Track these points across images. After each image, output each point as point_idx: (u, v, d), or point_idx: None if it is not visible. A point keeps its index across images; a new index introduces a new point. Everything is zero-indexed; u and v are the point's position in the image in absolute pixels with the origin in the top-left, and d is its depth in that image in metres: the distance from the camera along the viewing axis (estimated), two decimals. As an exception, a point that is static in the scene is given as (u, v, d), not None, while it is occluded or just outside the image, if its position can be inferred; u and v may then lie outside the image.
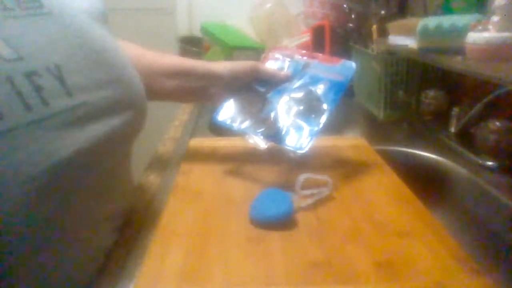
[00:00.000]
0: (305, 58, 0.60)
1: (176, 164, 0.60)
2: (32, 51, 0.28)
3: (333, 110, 0.52)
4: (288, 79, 0.57)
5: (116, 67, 0.37)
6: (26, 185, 0.27)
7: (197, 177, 0.54)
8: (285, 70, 0.59)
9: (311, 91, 0.55)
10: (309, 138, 0.49)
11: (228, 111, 0.56)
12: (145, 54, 0.56)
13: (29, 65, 0.28)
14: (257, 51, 1.36)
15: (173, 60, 0.57)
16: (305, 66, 0.59)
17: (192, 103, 1.01)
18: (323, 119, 0.51)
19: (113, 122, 0.34)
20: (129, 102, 0.37)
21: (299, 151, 0.49)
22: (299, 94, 0.55)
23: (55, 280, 0.33)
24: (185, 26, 1.53)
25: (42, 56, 0.29)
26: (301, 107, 0.53)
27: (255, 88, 0.58)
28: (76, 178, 0.31)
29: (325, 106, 0.52)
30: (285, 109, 0.54)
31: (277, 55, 0.62)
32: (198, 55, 1.40)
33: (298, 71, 0.58)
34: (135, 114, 0.39)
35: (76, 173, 0.31)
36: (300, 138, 0.50)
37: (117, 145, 0.37)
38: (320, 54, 0.60)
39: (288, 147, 0.50)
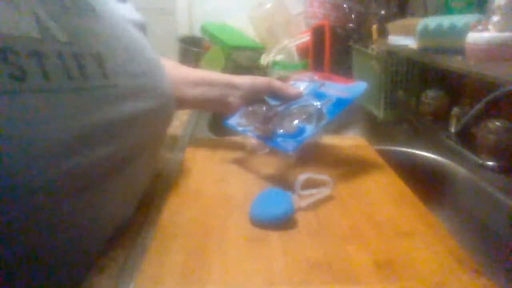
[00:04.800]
0: (321, 80, 0.64)
1: (176, 164, 0.60)
2: (81, 39, 0.34)
3: (331, 120, 0.53)
4: (299, 95, 0.61)
5: (149, 64, 0.42)
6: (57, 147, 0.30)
7: (197, 177, 0.54)
8: (302, 89, 0.63)
9: (313, 104, 0.57)
10: (297, 142, 0.51)
11: (238, 117, 0.60)
12: (174, 65, 0.65)
13: (77, 48, 0.33)
14: (257, 51, 1.36)
15: (198, 71, 0.67)
16: (320, 85, 0.62)
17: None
18: (319, 126, 0.53)
19: (138, 105, 0.39)
20: (155, 92, 0.42)
21: (287, 153, 0.50)
22: (303, 106, 0.58)
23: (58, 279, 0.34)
24: (185, 26, 1.53)
25: (88, 44, 0.35)
26: (303, 116, 0.55)
27: (267, 102, 0.62)
28: (99, 148, 0.34)
29: (324, 115, 0.54)
30: (285, 116, 0.56)
31: (298, 77, 0.67)
32: (198, 55, 1.40)
33: (315, 91, 0.61)
34: (159, 103, 0.43)
35: (101, 142, 0.34)
36: (289, 141, 0.51)
37: (139, 129, 0.40)
38: (337, 76, 0.64)
39: (278, 148, 0.52)
